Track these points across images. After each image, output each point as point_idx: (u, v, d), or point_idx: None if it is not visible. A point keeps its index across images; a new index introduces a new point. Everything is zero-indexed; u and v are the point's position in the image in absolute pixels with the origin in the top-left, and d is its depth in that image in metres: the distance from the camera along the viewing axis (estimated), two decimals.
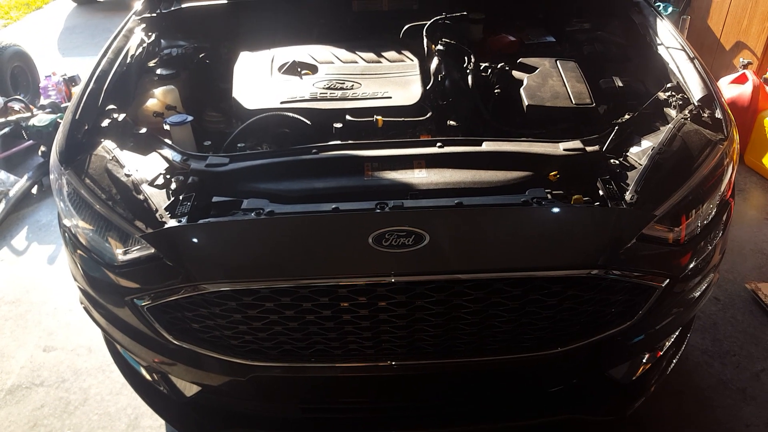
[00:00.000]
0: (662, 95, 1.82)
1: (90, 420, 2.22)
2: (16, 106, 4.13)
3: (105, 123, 1.80)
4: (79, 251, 1.66)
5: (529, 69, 2.08)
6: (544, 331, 1.54)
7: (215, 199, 1.59)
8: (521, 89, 1.98)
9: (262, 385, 1.63)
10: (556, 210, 1.47)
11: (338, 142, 1.74)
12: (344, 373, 1.59)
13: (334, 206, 1.45)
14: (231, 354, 1.56)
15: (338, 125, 1.83)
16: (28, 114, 4.02)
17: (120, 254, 1.56)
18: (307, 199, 1.52)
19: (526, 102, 1.93)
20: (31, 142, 4.03)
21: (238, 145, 1.83)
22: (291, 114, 1.85)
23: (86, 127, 1.78)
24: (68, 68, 4.77)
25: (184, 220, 1.49)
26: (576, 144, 1.63)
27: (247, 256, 1.46)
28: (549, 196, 1.50)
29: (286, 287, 1.42)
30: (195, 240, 1.49)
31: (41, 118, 3.86)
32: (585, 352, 1.58)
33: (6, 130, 3.91)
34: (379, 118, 1.84)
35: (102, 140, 1.76)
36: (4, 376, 2.45)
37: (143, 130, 1.80)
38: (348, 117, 1.86)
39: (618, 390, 1.78)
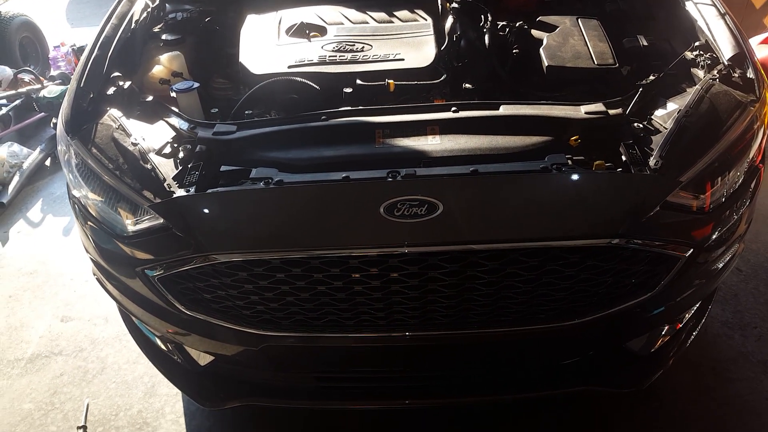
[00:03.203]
0: (689, 55, 1.72)
1: (108, 388, 2.25)
2: (26, 77, 4.12)
3: (110, 91, 1.76)
4: (89, 222, 1.65)
5: (549, 28, 1.98)
6: (560, 302, 1.49)
7: (223, 168, 1.55)
8: (540, 49, 1.89)
9: (275, 355, 1.62)
10: (576, 177, 1.41)
11: (348, 107, 1.68)
12: (357, 343, 1.57)
13: (344, 175, 1.40)
14: (243, 324, 1.55)
15: (348, 90, 1.77)
16: (39, 86, 4.00)
17: (130, 225, 1.54)
18: (316, 168, 1.48)
19: (545, 63, 1.84)
20: (42, 114, 4.02)
21: (246, 112, 1.78)
22: (299, 79, 1.79)
23: (92, 96, 1.74)
24: (77, 38, 4.73)
25: (192, 189, 1.46)
26: (598, 107, 1.55)
27: (257, 227, 1.43)
28: (569, 162, 1.44)
29: (297, 258, 1.38)
30: (203, 210, 1.46)
31: (51, 90, 3.84)
32: (603, 324, 1.53)
33: (17, 102, 3.91)
34: (390, 81, 1.77)
35: (108, 109, 1.72)
36: (24, 345, 2.48)
37: (149, 98, 1.77)
38: (358, 81, 1.79)
39: (635, 362, 1.74)
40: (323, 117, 1.59)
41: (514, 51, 1.94)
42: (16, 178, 3.47)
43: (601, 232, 1.38)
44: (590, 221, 1.39)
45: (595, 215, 1.40)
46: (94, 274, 1.83)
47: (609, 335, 1.62)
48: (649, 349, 1.74)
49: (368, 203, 1.36)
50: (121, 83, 1.77)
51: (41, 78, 4.13)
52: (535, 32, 1.98)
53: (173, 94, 1.84)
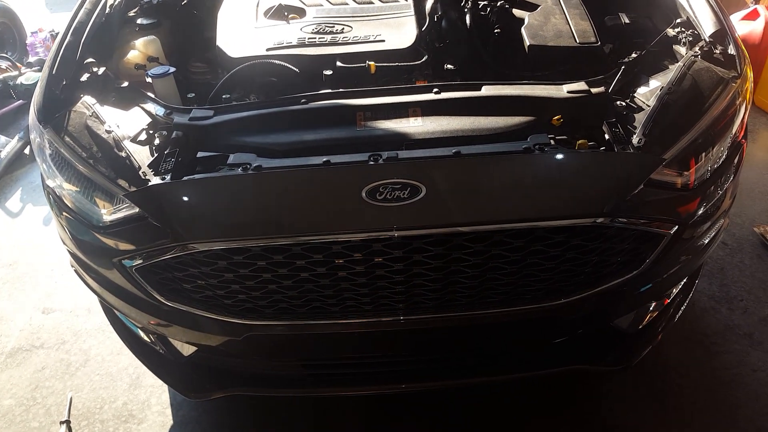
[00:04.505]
0: (671, 31, 1.71)
1: (92, 380, 2.22)
2: (3, 64, 4.01)
3: (84, 77, 1.71)
4: (64, 213, 1.61)
5: (531, 7, 1.96)
6: (546, 282, 1.48)
7: (200, 154, 1.51)
8: (522, 28, 1.86)
9: (259, 343, 1.60)
10: (559, 156, 1.39)
11: (328, 90, 1.65)
12: (344, 330, 1.55)
13: (324, 159, 1.38)
14: (225, 313, 1.52)
15: (328, 72, 1.73)
16: (16, 72, 3.90)
17: (105, 215, 1.50)
18: (296, 153, 1.45)
19: (527, 42, 1.81)
20: (20, 101, 3.92)
21: (223, 96, 1.74)
22: (277, 62, 1.75)
23: (65, 83, 1.69)
24: (55, 24, 4.61)
25: (167, 177, 1.43)
26: (580, 86, 1.53)
27: (236, 214, 1.40)
28: (552, 141, 1.42)
29: (278, 245, 1.36)
30: (180, 198, 1.42)
31: (29, 77, 3.74)
32: (590, 303, 1.53)
33: None
34: (371, 63, 1.74)
35: (82, 96, 1.67)
36: (3, 339, 2.44)
37: (125, 84, 1.72)
38: (338, 63, 1.76)
39: (624, 339, 1.75)
40: (303, 100, 1.56)
41: (495, 31, 1.91)
42: None
43: (585, 211, 1.37)
44: (574, 200, 1.38)
45: (579, 194, 1.39)
46: (72, 266, 1.79)
47: (596, 314, 1.62)
48: (637, 326, 1.74)
49: (350, 187, 1.34)
50: (95, 69, 1.73)
51: (19, 65, 4.02)
52: (516, 11, 1.96)
53: (149, 80, 1.80)
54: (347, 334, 1.58)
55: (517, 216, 1.36)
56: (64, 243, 1.73)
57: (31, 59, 4.09)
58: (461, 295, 1.48)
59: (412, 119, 1.52)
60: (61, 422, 2.04)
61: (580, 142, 1.43)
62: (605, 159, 1.41)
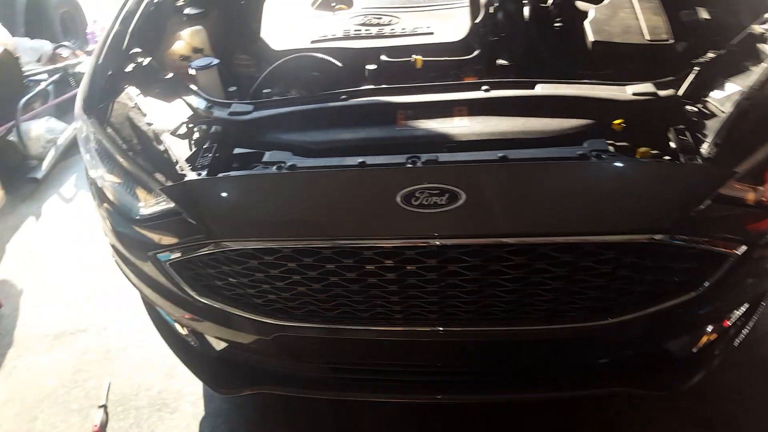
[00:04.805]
0: (757, 28, 1.53)
1: (129, 367, 2.25)
2: (64, 53, 4.15)
3: (129, 68, 1.70)
4: (105, 204, 1.61)
5: None
6: (593, 300, 1.37)
7: (237, 150, 1.48)
8: (586, 22, 1.72)
9: (288, 344, 1.56)
10: (618, 165, 1.27)
11: (370, 86, 1.58)
12: (373, 336, 1.49)
13: (360, 160, 1.31)
14: (255, 312, 1.49)
15: (371, 67, 1.66)
16: (76, 60, 4.02)
17: (142, 208, 1.49)
18: (333, 152, 1.39)
19: (591, 37, 1.67)
20: None
21: (264, 91, 1.69)
22: (320, 55, 1.69)
23: (110, 72, 1.69)
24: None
25: (203, 173, 1.40)
26: (647, 87, 1.40)
27: (268, 213, 1.36)
28: (611, 148, 1.30)
29: (308, 247, 1.30)
30: (213, 195, 1.39)
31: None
32: (639, 324, 1.40)
33: (55, 77, 3.93)
34: (417, 57, 1.66)
35: (126, 86, 1.67)
36: (51, 321, 2.51)
37: (169, 75, 1.71)
38: (383, 57, 1.68)
39: (674, 362, 1.60)
40: (342, 97, 1.49)
41: (556, 24, 1.78)
42: (51, 154, 3.51)
43: (642, 227, 1.24)
44: (631, 215, 1.26)
45: (637, 208, 1.26)
46: (113, 257, 1.80)
47: (646, 336, 1.48)
48: (690, 349, 1.59)
49: (384, 191, 1.26)
50: (140, 60, 1.72)
51: (78, 52, 4.15)
52: (580, 3, 1.82)
53: (192, 71, 1.78)
54: (377, 341, 1.52)
55: (566, 229, 1.25)
56: (105, 234, 1.74)
57: (91, 47, 4.21)
58: (499, 309, 1.39)
59: (457, 119, 1.43)
60: (99, 406, 2.08)
61: (641, 150, 1.30)
62: (669, 170, 1.28)
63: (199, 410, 2.06)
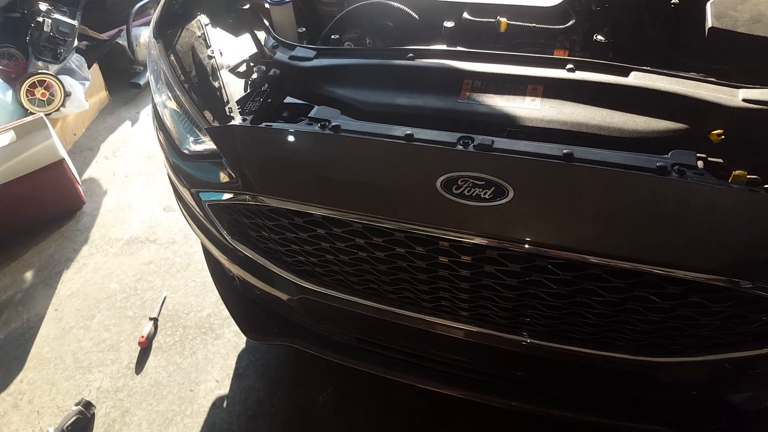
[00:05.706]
0: None
1: (187, 285, 2.35)
2: None
3: None
4: (161, 132, 1.61)
5: None
6: (647, 334, 1.19)
7: (288, 99, 1.40)
8: (708, 3, 1.43)
9: (312, 306, 1.52)
10: (704, 187, 1.05)
11: (441, 47, 1.42)
12: (398, 320, 1.41)
13: (408, 132, 1.18)
14: (284, 268, 1.45)
15: (449, 24, 1.49)
16: None
17: (191, 143, 1.47)
18: (383, 117, 1.27)
19: (709, 22, 1.39)
20: None
21: (332, 36, 1.58)
22: (396, 4, 1.53)
23: None
24: None
25: (248, 119, 1.34)
26: (764, 94, 1.14)
27: (300, 174, 1.28)
28: (701, 164, 1.08)
29: (337, 217, 1.22)
30: (252, 144, 1.33)
31: None
32: (699, 370, 1.22)
33: None
34: (503, 20, 1.46)
35: (198, 13, 1.62)
36: (125, 226, 2.66)
37: (246, 6, 1.64)
38: (465, 15, 1.50)
39: (735, 415, 1.40)
40: (409, 55, 1.35)
41: (673, 1, 1.49)
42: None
43: (719, 267, 1.03)
44: (710, 251, 1.05)
45: (716, 243, 1.05)
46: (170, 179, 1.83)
47: (706, 383, 1.29)
48: (758, 405, 1.38)
49: (426, 172, 1.14)
50: None
51: None
52: None
53: (267, 5, 1.69)
54: (403, 325, 1.44)
55: (626, 253, 1.06)
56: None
57: None
58: (536, 322, 1.25)
59: (528, 99, 1.25)
60: (150, 318, 2.19)
61: (736, 173, 1.06)
62: (766, 202, 1.04)
63: (241, 342, 2.12)
